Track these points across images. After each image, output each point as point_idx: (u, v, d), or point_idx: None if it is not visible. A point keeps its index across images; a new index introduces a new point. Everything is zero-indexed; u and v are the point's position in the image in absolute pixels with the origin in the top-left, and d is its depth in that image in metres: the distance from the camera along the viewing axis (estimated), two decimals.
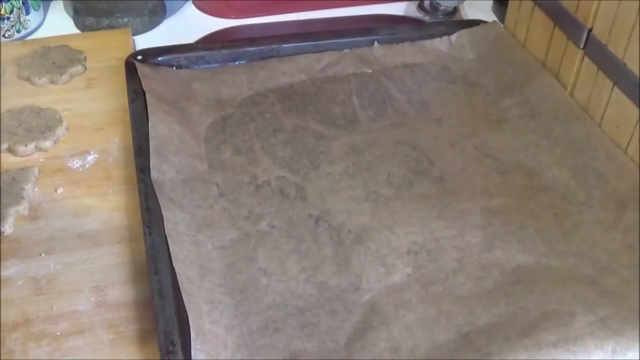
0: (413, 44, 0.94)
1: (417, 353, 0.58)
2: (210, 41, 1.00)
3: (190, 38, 1.00)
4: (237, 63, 0.91)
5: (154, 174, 0.71)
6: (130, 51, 0.92)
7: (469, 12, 1.07)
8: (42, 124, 0.82)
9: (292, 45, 0.92)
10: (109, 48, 0.96)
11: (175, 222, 0.67)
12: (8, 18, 0.98)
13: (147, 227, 0.66)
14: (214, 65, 0.90)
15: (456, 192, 0.73)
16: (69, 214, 0.72)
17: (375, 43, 0.93)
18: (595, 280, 0.63)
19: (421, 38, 0.95)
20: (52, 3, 1.09)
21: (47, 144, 0.80)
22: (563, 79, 0.82)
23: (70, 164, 0.78)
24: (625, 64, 0.72)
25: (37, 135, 0.80)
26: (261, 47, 0.91)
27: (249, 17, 1.07)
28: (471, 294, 0.63)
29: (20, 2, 0.99)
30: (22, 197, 0.73)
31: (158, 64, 0.88)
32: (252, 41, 0.92)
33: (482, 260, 0.66)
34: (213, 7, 1.08)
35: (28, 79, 0.90)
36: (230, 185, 0.73)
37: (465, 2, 1.07)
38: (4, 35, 0.99)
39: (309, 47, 0.92)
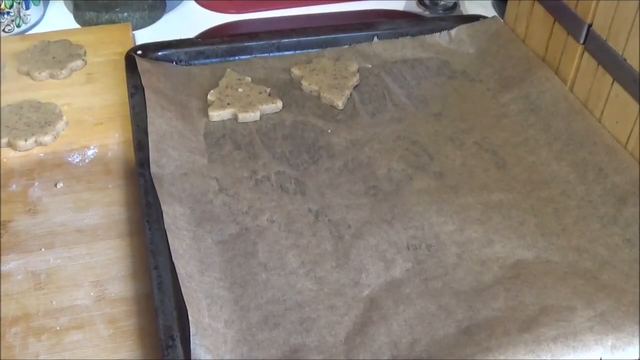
0: (413, 39, 0.94)
1: (417, 348, 0.58)
2: (210, 36, 1.00)
3: (190, 33, 1.00)
4: (237, 58, 0.91)
5: (153, 168, 0.71)
6: (130, 46, 0.92)
7: (469, 7, 1.07)
8: (42, 118, 0.82)
9: (292, 40, 0.92)
10: (109, 43, 0.96)
11: (175, 216, 0.67)
12: (8, 13, 0.98)
13: (147, 221, 0.66)
14: (214, 60, 0.90)
15: (456, 187, 0.73)
16: (68, 209, 0.72)
17: (375, 38, 0.93)
18: (594, 275, 0.64)
19: (421, 33, 0.95)
20: None
21: (46, 138, 0.80)
22: (563, 74, 0.82)
23: (70, 159, 0.78)
24: (625, 59, 0.72)
25: (36, 129, 0.80)
26: (261, 42, 0.92)
27: (249, 12, 1.07)
28: (471, 289, 0.63)
29: None
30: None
31: (158, 59, 0.88)
32: (252, 36, 0.92)
33: (482, 255, 0.66)
34: (213, 2, 1.08)
35: (28, 74, 0.90)
36: (229, 180, 0.73)
37: None
38: (3, 30, 0.99)
39: (309, 42, 0.92)
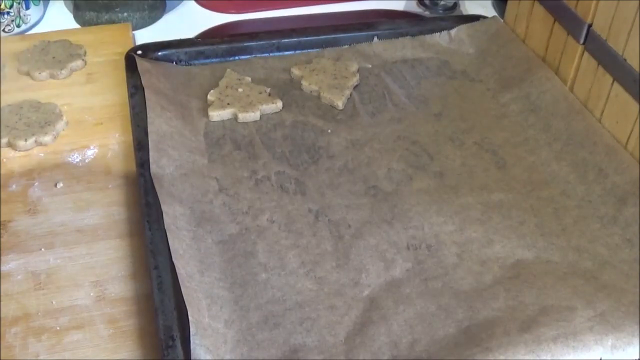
0: (413, 39, 0.94)
1: (417, 348, 0.58)
2: (210, 36, 1.00)
3: (190, 33, 1.00)
4: (237, 58, 0.91)
5: (153, 168, 0.71)
6: (130, 46, 0.92)
7: (469, 7, 1.07)
8: (42, 118, 0.82)
9: (292, 40, 0.92)
10: (109, 43, 0.96)
11: (175, 216, 0.67)
12: (8, 13, 0.98)
13: (147, 221, 0.66)
14: (213, 60, 0.90)
15: (456, 187, 0.73)
16: (68, 209, 0.72)
17: (375, 38, 0.93)
18: (594, 275, 0.64)
19: (421, 33, 0.95)
20: None
21: (46, 138, 0.80)
22: (563, 74, 0.82)
23: (70, 159, 0.78)
24: (625, 59, 0.72)
25: (36, 129, 0.80)
26: (261, 42, 0.92)
27: (249, 12, 1.07)
28: (471, 289, 0.63)
29: None
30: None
31: (158, 59, 0.88)
32: (252, 36, 0.92)
33: (482, 255, 0.66)
34: (213, 2, 1.08)
35: (28, 74, 0.90)
36: (229, 180, 0.73)
37: None
38: (4, 30, 0.99)
39: (309, 42, 0.92)
